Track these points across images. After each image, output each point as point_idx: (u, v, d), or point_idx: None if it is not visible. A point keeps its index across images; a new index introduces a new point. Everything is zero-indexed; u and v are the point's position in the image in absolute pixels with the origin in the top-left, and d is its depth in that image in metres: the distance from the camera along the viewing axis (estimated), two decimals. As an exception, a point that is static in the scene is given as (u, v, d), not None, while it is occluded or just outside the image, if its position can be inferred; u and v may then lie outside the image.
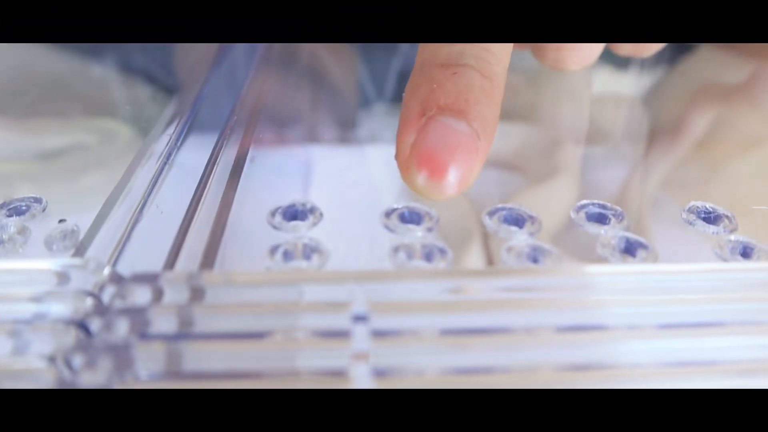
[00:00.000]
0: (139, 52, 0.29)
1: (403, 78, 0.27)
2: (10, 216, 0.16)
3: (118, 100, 0.27)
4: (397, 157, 0.14)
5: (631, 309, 0.13)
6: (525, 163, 0.22)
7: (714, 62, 0.29)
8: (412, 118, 0.14)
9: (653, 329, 0.12)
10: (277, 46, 0.29)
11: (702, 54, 0.29)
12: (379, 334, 0.11)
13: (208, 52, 0.28)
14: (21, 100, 0.26)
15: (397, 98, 0.26)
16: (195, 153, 0.19)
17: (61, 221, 0.15)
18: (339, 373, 0.11)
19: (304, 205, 0.16)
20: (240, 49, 0.29)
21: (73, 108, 0.26)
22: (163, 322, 0.12)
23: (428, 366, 0.11)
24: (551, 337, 0.12)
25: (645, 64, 0.29)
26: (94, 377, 0.11)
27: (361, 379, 0.11)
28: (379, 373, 0.11)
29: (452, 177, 0.14)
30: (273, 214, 0.15)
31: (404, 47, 0.29)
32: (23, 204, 0.16)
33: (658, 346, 0.12)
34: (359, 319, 0.11)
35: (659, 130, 0.24)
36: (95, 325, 0.11)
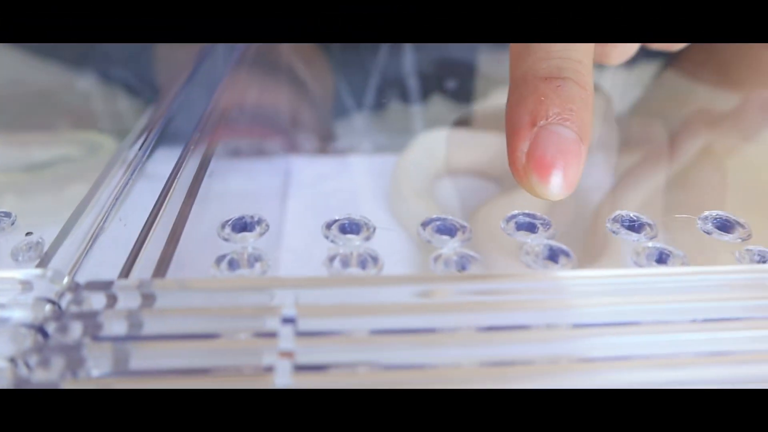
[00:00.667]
0: (121, 64, 0.31)
1: (380, 92, 0.29)
2: (-21, 229, 0.17)
3: (102, 112, 0.28)
4: (512, 164, 0.16)
5: (548, 311, 0.14)
6: (496, 171, 0.23)
7: (678, 87, 0.30)
8: (524, 127, 0.16)
9: (568, 329, 0.14)
10: (249, 58, 0.30)
11: (668, 79, 0.30)
12: (305, 335, 0.13)
13: (187, 60, 0.29)
14: (7, 113, 0.27)
15: (376, 109, 0.28)
16: (164, 164, 0.21)
17: (27, 234, 0.17)
18: (266, 370, 0.12)
19: (252, 217, 0.17)
20: (217, 59, 0.30)
21: (58, 121, 0.27)
22: (115, 326, 0.13)
23: (353, 363, 0.13)
24: (473, 337, 0.13)
25: (616, 79, 0.30)
26: (48, 375, 0.12)
27: (285, 376, 0.12)
28: (302, 369, 0.12)
29: (565, 179, 0.15)
30: (223, 226, 0.17)
31: (380, 63, 0.31)
32: (-7, 218, 0.17)
33: (573, 345, 0.13)
34: (287, 321, 0.13)
35: (619, 143, 0.26)
36: (51, 328, 0.13)
